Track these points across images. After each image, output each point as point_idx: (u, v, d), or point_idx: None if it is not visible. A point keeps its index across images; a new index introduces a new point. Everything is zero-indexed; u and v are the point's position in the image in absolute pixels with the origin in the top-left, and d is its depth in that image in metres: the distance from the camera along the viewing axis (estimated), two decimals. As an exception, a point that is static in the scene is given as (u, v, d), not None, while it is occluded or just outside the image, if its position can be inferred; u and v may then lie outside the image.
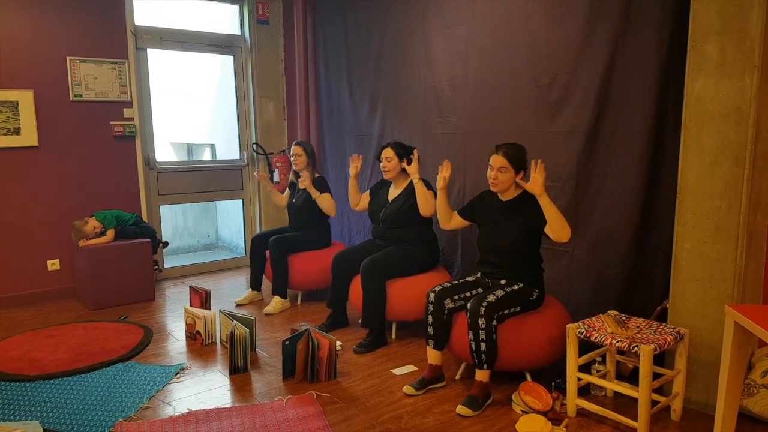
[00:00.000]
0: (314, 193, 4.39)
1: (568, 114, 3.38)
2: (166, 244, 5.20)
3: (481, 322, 2.77)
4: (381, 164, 3.85)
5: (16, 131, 4.55)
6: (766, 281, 2.82)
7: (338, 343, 3.50)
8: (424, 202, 3.65)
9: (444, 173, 3.26)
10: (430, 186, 3.71)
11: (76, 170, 4.84)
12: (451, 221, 3.34)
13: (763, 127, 2.56)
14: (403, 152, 3.81)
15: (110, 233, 4.64)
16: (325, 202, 4.42)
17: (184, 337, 3.88)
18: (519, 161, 2.95)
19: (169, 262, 5.77)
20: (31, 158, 4.65)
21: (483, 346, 2.79)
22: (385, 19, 4.64)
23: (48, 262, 4.81)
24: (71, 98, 4.76)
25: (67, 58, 4.72)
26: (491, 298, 2.84)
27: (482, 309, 2.78)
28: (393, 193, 3.91)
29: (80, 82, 4.79)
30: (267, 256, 4.59)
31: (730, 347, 2.09)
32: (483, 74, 3.86)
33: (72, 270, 4.87)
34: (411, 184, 3.81)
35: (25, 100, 4.56)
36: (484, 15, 3.81)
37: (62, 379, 3.20)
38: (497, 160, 2.96)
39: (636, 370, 2.70)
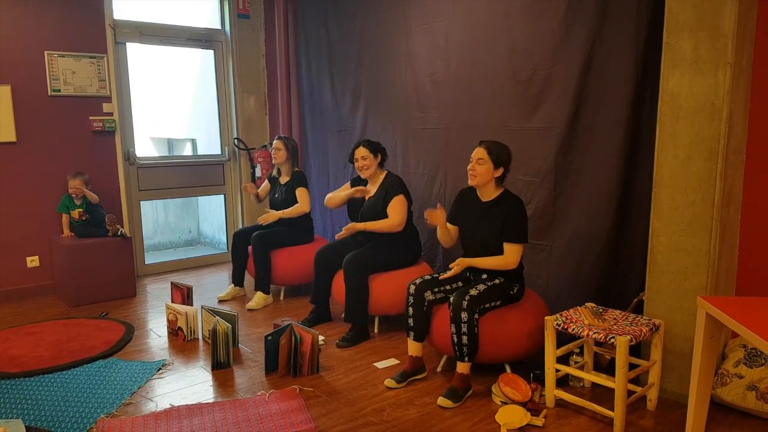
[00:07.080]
0: (283, 213, 4.47)
1: (546, 109, 3.42)
2: (113, 219, 4.74)
3: (464, 315, 2.81)
4: (357, 164, 3.86)
5: (-7, 126, 4.49)
6: (738, 273, 2.89)
7: (321, 337, 3.51)
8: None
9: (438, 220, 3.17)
10: (397, 189, 3.75)
11: (55, 166, 4.78)
12: (454, 238, 3.29)
13: (736, 123, 2.62)
14: (375, 147, 3.85)
15: (75, 213, 4.65)
16: (294, 211, 4.48)
17: (165, 334, 3.87)
18: (499, 156, 2.98)
19: (150, 258, 5.73)
20: (9, 154, 4.58)
21: (465, 339, 2.83)
22: (366, 13, 4.64)
23: (27, 258, 4.75)
24: (49, 93, 4.70)
25: (45, 53, 4.65)
26: (473, 292, 2.87)
27: (465, 303, 2.82)
28: (370, 190, 3.93)
29: (58, 76, 4.73)
30: (249, 252, 4.58)
31: (702, 338, 2.14)
32: (463, 70, 3.88)
33: (52, 266, 4.82)
34: (385, 180, 3.83)
35: (3, 95, 4.49)
36: (464, 11, 3.84)
37: (43, 377, 3.18)
38: (477, 152, 3.00)
39: (613, 361, 2.75)
